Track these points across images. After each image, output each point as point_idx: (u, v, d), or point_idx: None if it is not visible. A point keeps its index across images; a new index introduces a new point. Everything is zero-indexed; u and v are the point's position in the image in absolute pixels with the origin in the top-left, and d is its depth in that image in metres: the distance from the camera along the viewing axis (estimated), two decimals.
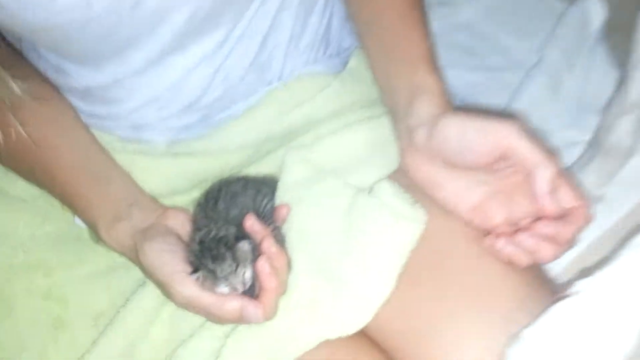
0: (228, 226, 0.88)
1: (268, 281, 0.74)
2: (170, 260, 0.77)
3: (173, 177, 0.92)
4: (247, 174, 0.92)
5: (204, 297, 0.75)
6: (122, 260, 0.88)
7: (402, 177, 0.80)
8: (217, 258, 0.75)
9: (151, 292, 0.86)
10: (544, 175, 0.65)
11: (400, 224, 0.76)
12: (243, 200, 0.85)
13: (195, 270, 0.76)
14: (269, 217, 0.85)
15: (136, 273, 0.87)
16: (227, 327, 0.82)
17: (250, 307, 0.75)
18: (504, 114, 0.74)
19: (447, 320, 0.72)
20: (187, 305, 0.77)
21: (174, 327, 0.87)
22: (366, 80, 0.89)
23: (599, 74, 1.05)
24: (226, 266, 0.76)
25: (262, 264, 0.74)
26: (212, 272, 0.75)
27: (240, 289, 0.76)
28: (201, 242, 0.79)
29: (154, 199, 0.89)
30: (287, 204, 0.85)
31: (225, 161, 0.92)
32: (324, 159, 0.89)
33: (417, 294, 0.76)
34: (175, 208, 0.87)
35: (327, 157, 0.90)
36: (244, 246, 0.76)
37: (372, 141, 0.88)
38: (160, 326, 0.88)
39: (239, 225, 0.78)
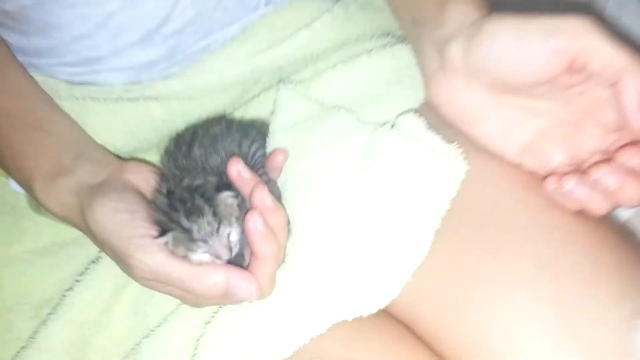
0: (205, 174, 0.66)
1: (262, 245, 0.60)
2: (129, 222, 0.62)
3: (134, 128, 0.77)
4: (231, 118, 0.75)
5: (176, 268, 0.60)
6: (72, 233, 0.74)
7: (428, 116, 0.66)
8: (192, 213, 0.60)
9: (107, 269, 0.72)
10: (635, 83, 0.49)
11: (437, 164, 0.61)
12: (225, 145, 0.69)
13: (163, 232, 0.61)
14: (259, 167, 0.70)
15: (91, 249, 0.74)
16: (207, 311, 0.68)
17: (239, 281, 0.60)
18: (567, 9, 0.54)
19: (501, 295, 0.56)
20: (154, 282, 0.63)
21: (138, 313, 0.73)
22: (374, 4, 0.79)
23: None
24: (205, 224, 0.60)
25: (254, 222, 0.59)
26: (187, 233, 0.60)
27: (225, 255, 0.62)
28: (170, 193, 0.63)
29: (107, 151, 0.74)
30: (284, 149, 0.70)
31: (201, 107, 0.78)
32: (328, 95, 0.75)
33: (459, 260, 0.60)
34: (136, 160, 0.71)
35: (331, 93, 0.75)
36: (227, 198, 0.61)
37: (385, 74, 0.74)
38: (120, 313, 0.74)
39: (221, 175, 0.63)
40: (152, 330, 0.68)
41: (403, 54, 0.73)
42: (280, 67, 0.77)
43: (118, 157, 0.74)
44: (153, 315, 0.71)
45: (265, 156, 0.69)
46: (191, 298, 0.62)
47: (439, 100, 0.62)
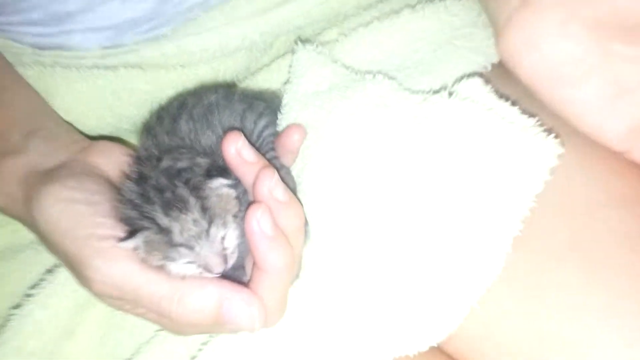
0: (193, 155, 0.49)
1: (270, 253, 0.47)
2: (87, 217, 0.49)
3: (112, 103, 0.66)
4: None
5: (148, 283, 0.48)
6: (30, 236, 0.61)
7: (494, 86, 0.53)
8: (172, 206, 0.47)
9: (67, 282, 0.59)
10: None
11: (519, 145, 0.46)
12: (223, 119, 0.55)
13: (131, 233, 0.47)
14: (268, 149, 0.56)
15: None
16: (194, 342, 0.55)
17: (237, 303, 0.47)
18: None
19: (595, 327, 0.45)
20: (120, 302, 0.51)
21: (106, 341, 0.60)
22: None
23: None
24: (190, 222, 0.47)
25: (259, 221, 0.47)
26: (165, 234, 0.47)
27: (218, 267, 0.48)
28: (143, 179, 0.49)
29: (72, 129, 0.63)
30: (300, 126, 0.57)
31: (196, 78, 0.67)
32: (358, 59, 0.61)
33: (539, 283, 0.48)
34: (106, 140, 0.59)
35: (363, 57, 0.61)
36: (221, 187, 0.49)
37: (433, 34, 0.61)
38: (82, 341, 0.60)
39: (215, 157, 0.51)
40: None
41: (457, 9, 0.56)
42: (298, 28, 0.66)
43: (89, 137, 0.62)
44: (125, 345, 0.59)
45: (276, 135, 0.57)
46: (170, 324, 0.50)
47: (518, 51, 0.49)
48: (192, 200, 0.47)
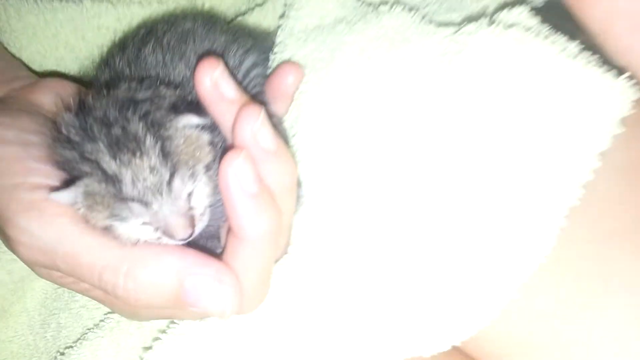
0: (155, 84, 0.39)
1: (251, 217, 0.37)
2: (16, 161, 0.40)
3: (74, 42, 0.57)
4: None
5: (90, 249, 0.38)
6: None
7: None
8: (122, 146, 0.37)
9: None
10: None
11: (582, 86, 0.36)
12: (199, 49, 0.45)
13: (67, 182, 0.37)
14: (255, 92, 0.46)
15: None
16: (149, 329, 0.45)
17: (205, 279, 0.37)
18: None
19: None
20: (54, 274, 0.40)
21: (47, 324, 0.51)
22: None
23: None
24: (145, 169, 0.36)
25: (237, 172, 0.36)
26: (111, 184, 0.37)
27: (181, 232, 0.38)
28: (86, 110, 0.38)
29: (18, 64, 0.55)
30: (296, 65, 0.47)
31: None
32: None
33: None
34: (57, 77, 0.51)
35: None
36: (190, 128, 0.39)
37: None
38: (19, 323, 0.52)
39: (186, 93, 0.41)
40: (61, 354, 0.48)
41: None
42: None
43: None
44: (70, 329, 0.50)
45: (265, 76, 0.48)
46: (118, 305, 0.41)
47: None
48: (149, 140, 0.36)
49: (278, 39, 0.50)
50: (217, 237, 0.43)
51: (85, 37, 0.58)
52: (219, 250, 0.42)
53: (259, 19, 0.59)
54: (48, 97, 0.47)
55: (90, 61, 0.60)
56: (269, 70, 0.49)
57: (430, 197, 0.40)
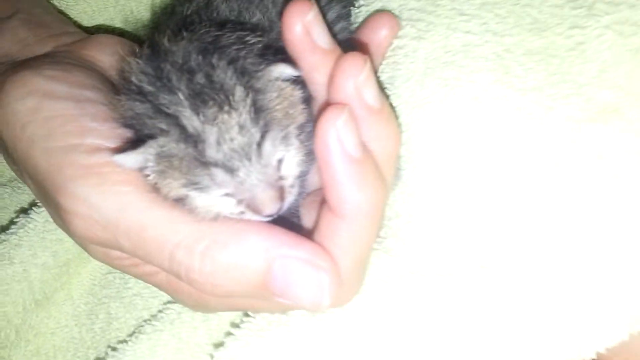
0: (238, 29, 0.33)
1: (352, 190, 0.31)
2: (69, 120, 0.34)
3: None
4: None
5: (160, 223, 0.32)
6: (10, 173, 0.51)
7: None
8: (206, 98, 0.30)
9: (42, 229, 0.44)
10: None
11: None
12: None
13: (136, 142, 0.31)
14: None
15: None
16: (218, 322, 0.39)
17: (298, 264, 0.31)
18: None
19: None
20: (113, 252, 0.35)
21: (94, 315, 0.45)
22: None
23: None
24: (234, 127, 0.30)
25: (339, 133, 0.30)
26: (191, 144, 0.31)
27: (270, 207, 0.32)
28: (162, 55, 0.31)
29: (66, 20, 0.49)
30: (390, 15, 0.39)
31: None
32: None
33: None
34: (109, 34, 0.45)
35: None
36: (283, 76, 0.32)
37: None
38: (62, 313, 0.45)
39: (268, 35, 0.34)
40: (112, 349, 0.42)
41: None
42: None
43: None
44: (121, 320, 0.44)
45: (351, 32, 0.41)
46: (188, 292, 0.35)
47: None
48: (239, 91, 0.29)
49: None
50: (297, 216, 0.36)
51: (141, 1, 0.53)
52: (302, 229, 0.36)
53: None
54: (103, 54, 0.41)
55: (142, 23, 0.55)
56: (354, 26, 0.43)
57: (577, 199, 0.34)
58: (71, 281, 0.45)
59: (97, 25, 0.52)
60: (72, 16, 0.52)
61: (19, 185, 0.52)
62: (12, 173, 0.52)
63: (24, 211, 0.46)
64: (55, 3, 0.52)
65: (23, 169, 0.35)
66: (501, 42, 0.36)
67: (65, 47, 0.42)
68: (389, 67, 0.41)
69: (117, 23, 0.53)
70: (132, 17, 0.52)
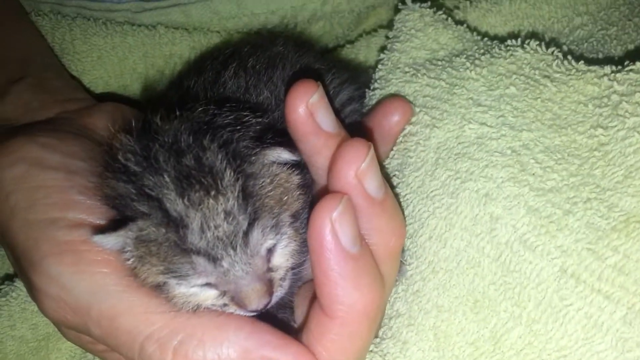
0: (238, 109, 0.31)
1: (346, 288, 0.29)
2: (55, 191, 0.32)
3: (142, 68, 0.52)
4: None
5: (134, 313, 0.29)
6: None
7: None
8: (192, 181, 0.28)
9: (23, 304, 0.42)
10: None
11: None
12: (286, 76, 0.37)
13: (117, 223, 0.29)
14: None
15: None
16: None
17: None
18: None
19: None
20: (83, 337, 0.32)
21: None
22: None
23: None
24: (220, 213, 0.28)
25: (335, 225, 0.28)
26: (173, 229, 0.28)
27: (256, 302, 0.30)
28: (151, 133, 0.30)
29: (77, 86, 0.49)
30: (403, 100, 0.38)
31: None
32: (491, 28, 0.45)
33: None
34: (115, 102, 0.44)
35: (499, 27, 0.45)
36: (279, 165, 0.31)
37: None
38: None
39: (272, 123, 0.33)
40: None
41: None
42: None
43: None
44: None
45: (361, 114, 0.40)
46: None
47: None
48: (228, 176, 0.27)
49: (378, 74, 0.42)
50: (290, 307, 0.33)
51: (154, 65, 0.53)
52: (291, 325, 0.33)
53: (351, 53, 0.53)
54: (105, 122, 0.40)
55: (151, 92, 0.55)
56: (366, 109, 0.42)
57: None
58: (49, 356, 0.42)
59: (111, 92, 0.52)
60: (86, 81, 0.52)
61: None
62: None
63: (10, 278, 0.44)
64: (72, 67, 0.52)
65: (3, 239, 0.34)
66: (518, 136, 0.34)
67: (69, 114, 0.41)
68: (400, 154, 0.39)
69: (133, 90, 0.53)
70: (148, 84, 0.52)
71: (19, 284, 0.43)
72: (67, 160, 0.34)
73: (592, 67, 0.36)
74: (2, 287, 0.43)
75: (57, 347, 0.43)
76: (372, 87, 0.42)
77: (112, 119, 0.41)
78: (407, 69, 0.41)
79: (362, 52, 0.51)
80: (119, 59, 0.52)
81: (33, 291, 0.30)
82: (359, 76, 0.45)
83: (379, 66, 0.44)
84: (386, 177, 0.38)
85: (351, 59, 0.50)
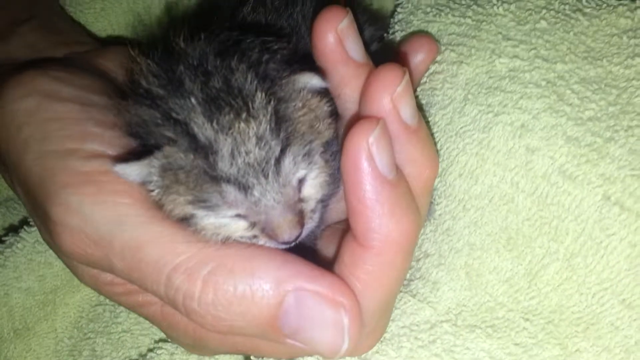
0: (262, 34, 0.30)
1: (384, 217, 0.27)
2: (70, 123, 0.30)
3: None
4: None
5: (159, 243, 0.27)
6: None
7: None
8: (221, 104, 0.27)
9: (29, 249, 0.40)
10: None
11: None
12: (308, 14, 0.35)
13: (141, 152, 0.27)
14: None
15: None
16: None
17: (315, 299, 0.27)
18: None
19: None
20: (103, 275, 0.31)
21: (76, 350, 0.41)
22: None
23: None
24: (251, 138, 0.26)
25: (371, 150, 0.27)
26: (201, 155, 0.27)
27: (288, 233, 0.28)
28: (175, 56, 0.28)
29: (81, 29, 0.48)
30: (428, 37, 0.36)
31: None
32: None
33: None
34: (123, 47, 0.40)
35: None
36: (310, 91, 0.29)
37: None
38: (41, 343, 0.41)
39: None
40: None
41: None
42: None
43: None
44: (106, 359, 0.39)
45: (382, 54, 0.37)
46: (186, 328, 0.30)
47: None
48: (259, 98, 0.26)
49: (398, 17, 0.40)
50: (315, 241, 0.32)
51: (158, 18, 0.51)
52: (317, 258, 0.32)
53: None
54: (117, 65, 0.38)
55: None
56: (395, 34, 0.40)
57: None
58: (56, 311, 0.41)
59: (116, 36, 0.50)
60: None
61: (15, 205, 0.48)
62: (10, 192, 0.49)
63: (15, 230, 0.42)
64: (75, 19, 0.50)
65: (14, 175, 0.32)
66: (553, 68, 0.33)
67: (78, 56, 0.39)
68: (425, 94, 0.37)
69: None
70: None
71: (24, 234, 0.41)
72: (82, 93, 0.32)
73: (623, 1, 0.35)
74: (6, 238, 0.42)
75: (65, 302, 0.42)
76: (391, 31, 0.41)
77: (122, 61, 0.40)
78: (428, 10, 0.40)
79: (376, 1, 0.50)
80: (122, 11, 0.52)
81: (49, 225, 0.29)
82: (378, 19, 0.43)
83: (398, 9, 0.43)
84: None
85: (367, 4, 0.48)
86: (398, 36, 0.41)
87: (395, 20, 0.42)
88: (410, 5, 0.42)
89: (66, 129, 0.30)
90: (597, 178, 0.28)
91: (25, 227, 0.42)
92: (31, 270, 0.40)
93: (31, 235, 0.40)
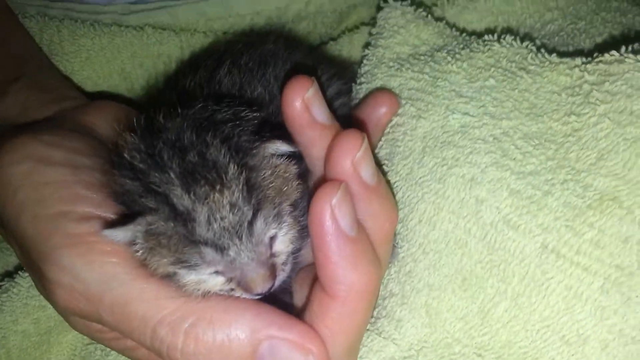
0: (235, 104, 0.33)
1: (347, 270, 0.30)
2: (62, 186, 0.33)
3: (131, 69, 0.54)
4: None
5: (145, 299, 0.31)
6: None
7: None
8: (197, 177, 0.30)
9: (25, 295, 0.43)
10: None
11: None
12: (278, 72, 0.39)
13: (126, 217, 0.30)
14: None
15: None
16: None
17: (287, 346, 0.30)
18: None
19: None
20: (94, 326, 0.33)
21: None
22: None
23: None
24: (225, 206, 0.30)
25: (334, 211, 0.30)
26: (181, 223, 0.30)
27: (260, 285, 0.31)
28: (155, 132, 0.32)
29: (69, 84, 0.51)
30: (390, 93, 0.41)
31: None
32: (467, 24, 0.47)
33: None
34: (109, 100, 0.45)
35: (475, 23, 0.47)
36: (278, 157, 0.32)
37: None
38: None
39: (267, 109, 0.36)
40: None
41: None
42: None
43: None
44: None
45: (349, 107, 0.42)
46: None
47: None
48: (232, 170, 0.29)
49: (364, 68, 0.44)
50: (289, 292, 0.35)
51: (142, 65, 0.54)
52: (290, 308, 0.35)
53: (334, 50, 0.55)
54: (102, 120, 0.41)
55: (140, 84, 0.56)
56: (354, 102, 0.44)
57: None
58: (51, 350, 0.43)
59: (100, 91, 0.53)
60: (75, 82, 0.53)
61: (7, 247, 0.51)
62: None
63: (10, 275, 0.45)
64: (61, 68, 0.53)
65: (10, 233, 0.35)
66: (499, 124, 0.36)
67: (66, 113, 0.42)
68: (388, 144, 0.41)
69: (121, 90, 0.54)
70: (137, 85, 0.53)
71: (19, 280, 0.44)
72: (72, 156, 0.35)
73: (564, 59, 0.39)
74: (2, 283, 0.44)
75: (59, 341, 0.44)
76: (358, 82, 0.44)
77: (107, 116, 0.42)
78: (391, 64, 0.44)
79: (346, 48, 0.53)
80: (107, 60, 0.53)
81: (44, 282, 0.32)
82: (345, 71, 0.46)
83: (364, 61, 0.46)
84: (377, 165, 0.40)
85: (335, 55, 0.52)
86: (364, 87, 0.44)
87: (362, 72, 0.46)
88: (374, 58, 0.46)
89: (58, 192, 0.33)
90: (537, 227, 0.32)
91: (20, 272, 0.44)
92: (27, 314, 0.43)
93: (25, 280, 0.43)
